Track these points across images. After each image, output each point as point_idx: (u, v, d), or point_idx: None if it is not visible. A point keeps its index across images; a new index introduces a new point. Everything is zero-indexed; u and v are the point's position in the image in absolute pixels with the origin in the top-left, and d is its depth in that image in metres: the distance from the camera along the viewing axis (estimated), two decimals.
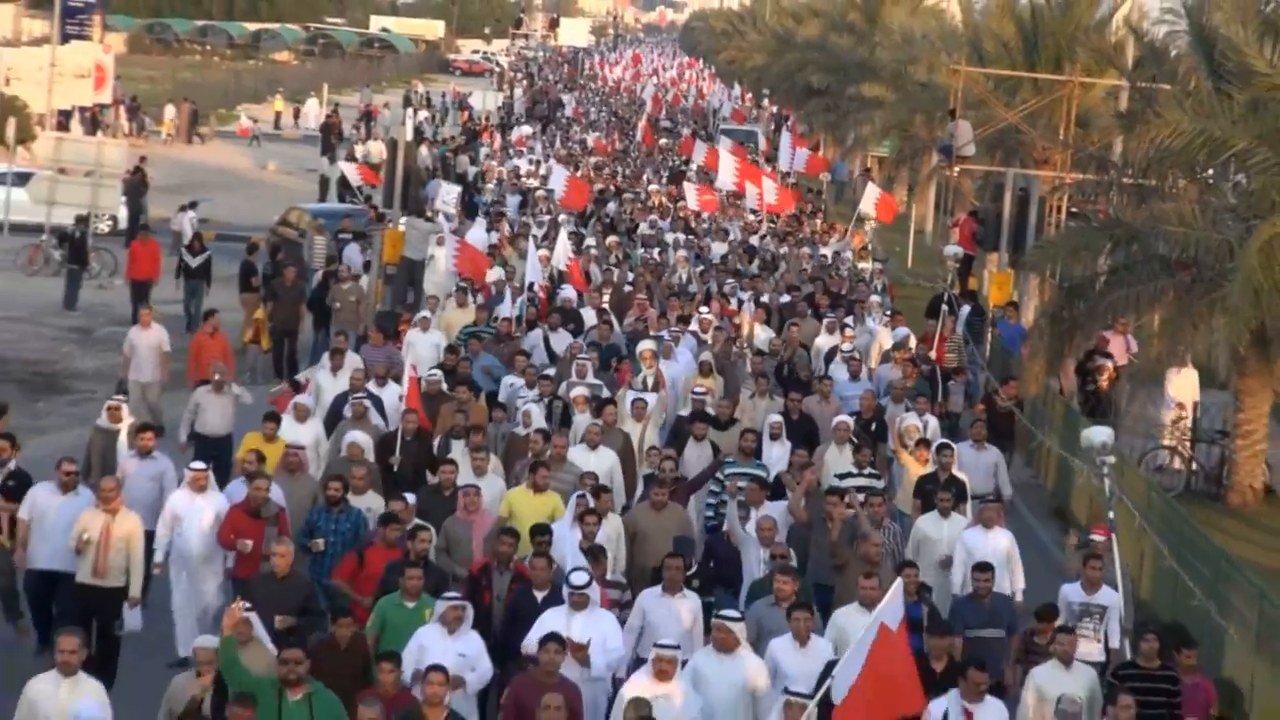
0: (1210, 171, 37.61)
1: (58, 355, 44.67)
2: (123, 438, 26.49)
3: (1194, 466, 40.11)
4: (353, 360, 32.48)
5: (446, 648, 18.68)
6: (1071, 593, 22.71)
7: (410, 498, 23.89)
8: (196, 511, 23.51)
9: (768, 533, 23.57)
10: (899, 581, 19.27)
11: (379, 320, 40.60)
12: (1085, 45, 67.06)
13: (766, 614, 20.50)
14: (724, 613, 19.03)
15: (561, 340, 35.82)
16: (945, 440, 29.40)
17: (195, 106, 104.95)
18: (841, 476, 26.82)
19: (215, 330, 36.94)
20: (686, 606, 20.79)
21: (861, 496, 25.27)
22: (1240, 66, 34.73)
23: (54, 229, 57.51)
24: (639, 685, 17.98)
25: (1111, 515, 25.39)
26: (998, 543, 24.35)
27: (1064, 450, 38.21)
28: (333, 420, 29.00)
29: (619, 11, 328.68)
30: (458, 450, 26.18)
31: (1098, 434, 30.48)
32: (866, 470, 27.54)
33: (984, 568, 22.59)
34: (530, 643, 18.91)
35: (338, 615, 19.62)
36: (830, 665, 18.52)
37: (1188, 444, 40.44)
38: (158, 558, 23.42)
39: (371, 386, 30.77)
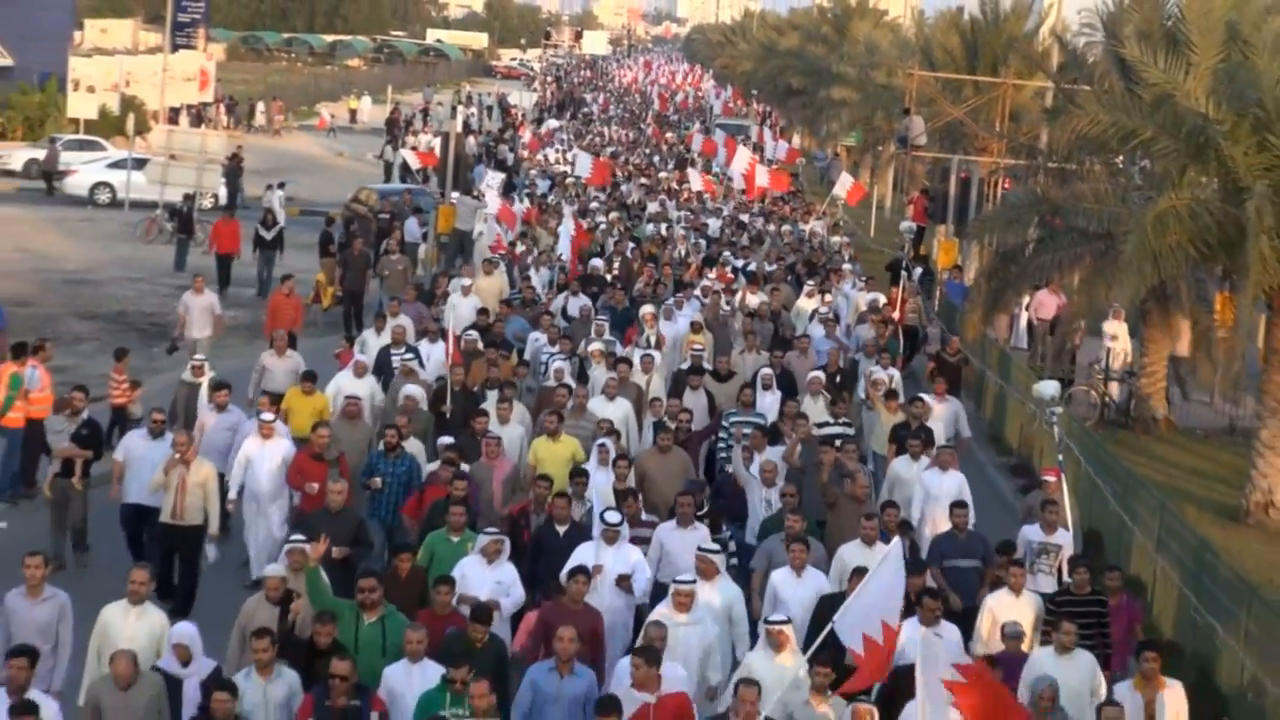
0: (1120, 157, 37.60)
1: (169, 309, 44.63)
2: (204, 391, 26.20)
3: (1106, 401, 40.25)
4: (399, 321, 31.64)
5: (485, 576, 18.41)
6: (1031, 533, 22.22)
7: (449, 440, 23.64)
8: (265, 456, 23.23)
9: (769, 474, 23.11)
10: (851, 549, 19.77)
11: (421, 283, 40.38)
12: (1017, 53, 67.64)
13: (777, 548, 20.02)
14: (703, 545, 18.73)
15: (576, 304, 35.36)
16: (919, 395, 28.95)
17: (282, 104, 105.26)
18: (820, 425, 26.21)
19: (291, 291, 36.95)
20: (697, 538, 20.10)
21: (838, 443, 24.69)
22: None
23: (166, 205, 57.45)
24: (660, 614, 17.44)
25: (1060, 458, 25.40)
26: (951, 482, 23.73)
27: (1001, 379, 38.55)
28: (377, 371, 28.53)
29: (632, 26, 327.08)
30: (490, 401, 25.80)
31: (1047, 387, 30.22)
32: (841, 420, 27.01)
33: (961, 505, 22.05)
34: (563, 574, 18.46)
35: (399, 551, 19.35)
36: (822, 597, 18.54)
37: (1102, 383, 40.61)
38: (231, 495, 23.12)
39: (420, 343, 30.60)
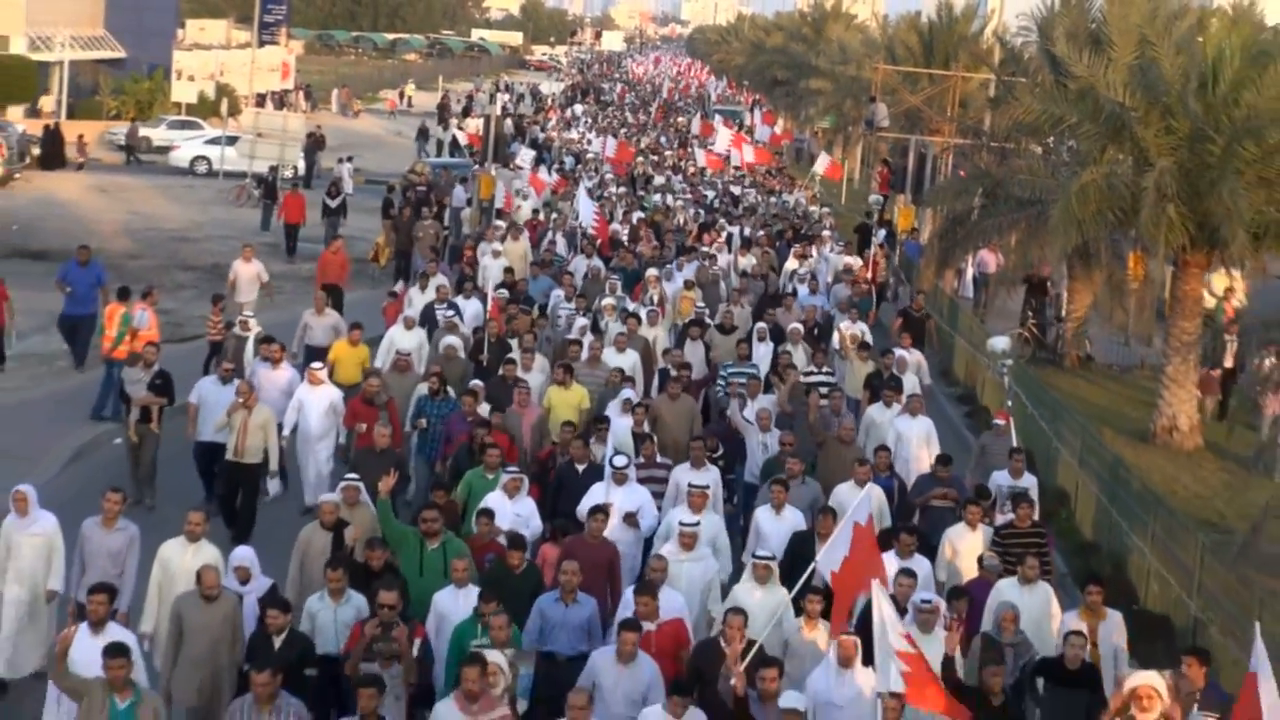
0: (1050, 138, 37.48)
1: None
2: (249, 343, 25.33)
3: (1038, 341, 40.34)
4: (438, 280, 31.06)
5: (507, 509, 17.86)
6: (1001, 478, 21.15)
7: (479, 383, 22.76)
8: (315, 400, 22.67)
9: (765, 420, 22.23)
10: (869, 489, 18.54)
11: (436, 246, 39.80)
12: (965, 50, 67.80)
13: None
14: (693, 482, 17.97)
15: (585, 265, 34.88)
16: (890, 349, 28.20)
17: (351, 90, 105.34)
18: (807, 374, 25.67)
19: (337, 250, 36.55)
20: (707, 479, 19.14)
21: (824, 390, 24.33)
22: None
23: (254, 175, 57.30)
24: (666, 550, 16.78)
25: (1009, 404, 25.15)
26: (921, 426, 23.13)
27: (948, 327, 38.57)
28: (421, 323, 27.56)
29: (643, 27, 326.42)
30: (516, 350, 25.27)
31: (999, 342, 30.02)
32: (825, 369, 26.36)
33: (945, 460, 21.18)
34: (581, 512, 17.91)
35: (437, 486, 18.68)
36: (795, 533, 18.03)
37: (1034, 326, 40.65)
38: (284, 433, 22.34)
39: (457, 299, 29.89)
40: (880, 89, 67.32)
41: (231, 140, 66.08)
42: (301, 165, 63.50)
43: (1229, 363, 33.32)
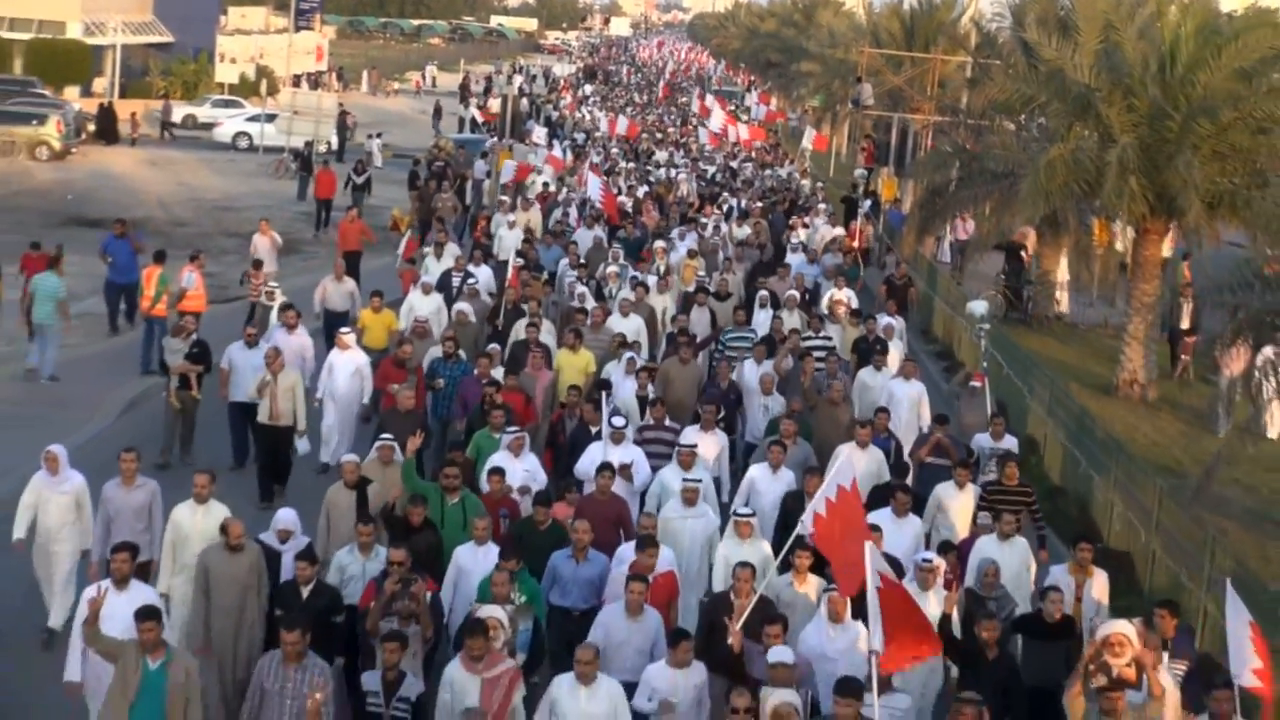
0: (1022, 116, 37.45)
1: (293, 230, 44.57)
2: (274, 311, 24.81)
3: (1011, 302, 40.33)
4: (452, 250, 30.91)
5: (515, 466, 17.34)
6: (983, 440, 20.64)
7: (495, 347, 22.46)
8: (343, 364, 22.28)
9: (768, 384, 21.70)
10: (848, 449, 18.50)
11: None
12: (944, 35, 67.28)
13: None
14: (687, 477, 16.85)
15: (589, 236, 34.41)
16: (872, 314, 27.76)
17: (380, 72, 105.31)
18: (804, 339, 24.96)
19: (355, 219, 36.61)
20: (715, 440, 19.28)
21: (822, 354, 23.87)
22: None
23: (291, 150, 57.39)
24: (670, 507, 16.52)
25: (985, 365, 24.87)
26: (914, 390, 22.62)
27: (928, 289, 38.57)
28: (438, 289, 26.86)
29: (648, 13, 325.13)
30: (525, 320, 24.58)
31: (977, 306, 29.88)
32: (822, 335, 25.56)
33: (942, 420, 20.63)
34: (589, 468, 17.43)
35: (452, 446, 18.63)
36: (788, 493, 17.53)
37: (1007, 288, 40.64)
38: (318, 394, 22.16)
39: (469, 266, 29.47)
40: (866, 70, 67.16)
41: (270, 118, 66.30)
42: (334, 140, 63.56)
43: (1185, 324, 33.28)
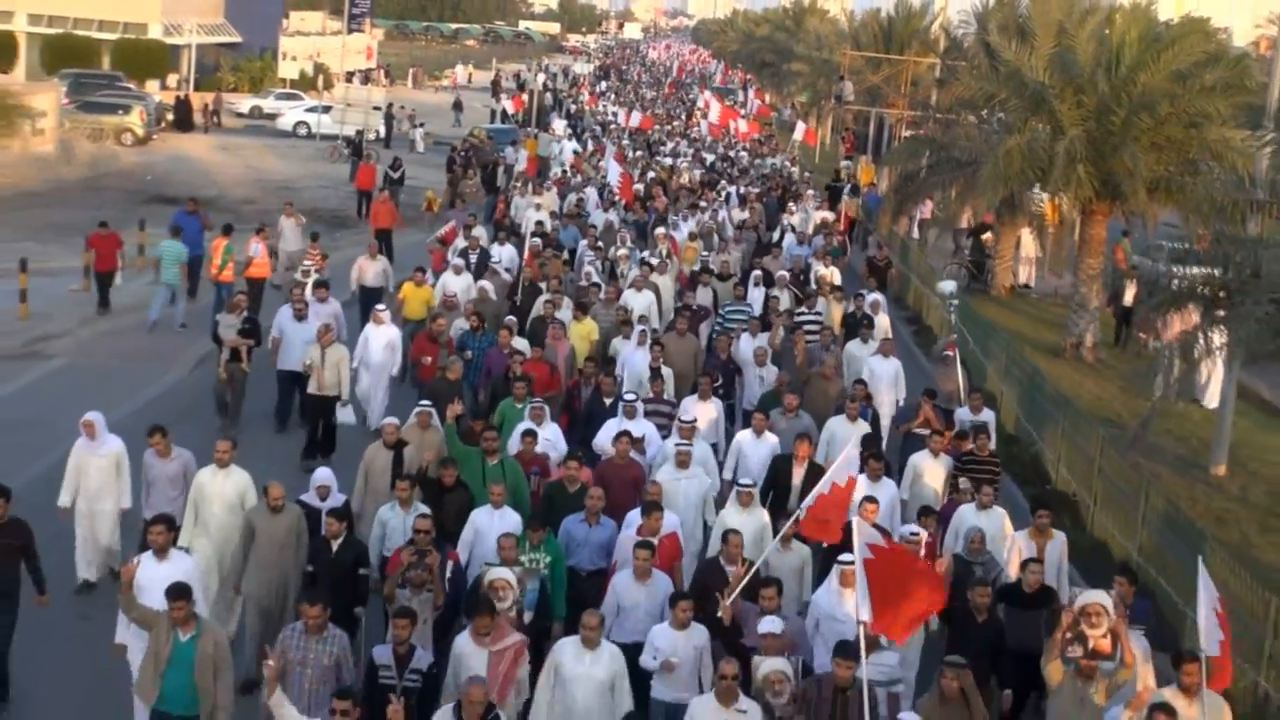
0: (984, 111, 37.36)
1: (346, 208, 44.72)
2: (309, 288, 23.77)
3: (974, 275, 40.28)
4: (477, 230, 29.98)
5: (540, 434, 16.45)
6: (963, 414, 19.69)
7: (513, 319, 21.68)
8: (377, 337, 21.56)
9: (762, 357, 21.03)
10: (839, 422, 18.00)
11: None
12: (917, 39, 67.50)
13: (776, 418, 17.98)
14: (679, 442, 16.15)
15: (602, 218, 33.95)
16: (860, 291, 26.52)
17: (422, 70, 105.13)
18: (797, 314, 24.46)
19: (385, 200, 36.24)
20: (712, 408, 18.51)
21: (814, 328, 23.22)
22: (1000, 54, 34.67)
23: (344, 137, 57.49)
24: (665, 470, 15.88)
25: (954, 337, 24.14)
26: (891, 367, 21.59)
27: (900, 264, 38.49)
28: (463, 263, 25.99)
29: (657, 19, 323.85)
30: (548, 293, 23.91)
31: (946, 286, 29.68)
32: (814, 311, 24.78)
33: (930, 394, 19.88)
34: (606, 442, 16.68)
35: (477, 416, 17.91)
36: (775, 456, 16.92)
37: (971, 262, 40.59)
38: (353, 364, 21.05)
39: (492, 246, 28.90)
40: (847, 70, 67.36)
41: (326, 109, 66.56)
42: (382, 129, 63.59)
43: (1129, 300, 33.09)
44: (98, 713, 12.85)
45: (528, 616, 12.67)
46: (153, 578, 11.99)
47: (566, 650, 11.44)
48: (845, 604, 12.72)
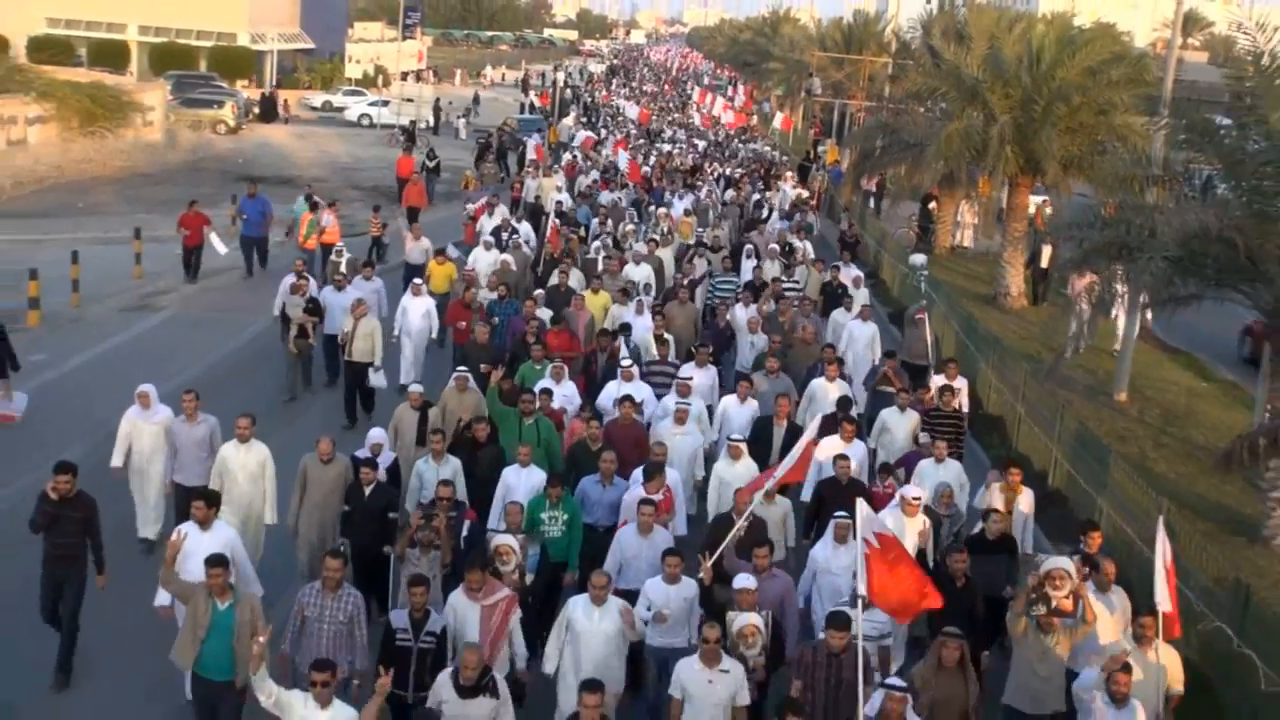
0: (929, 102, 37.16)
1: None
2: (342, 264, 22.52)
3: (920, 237, 40.07)
4: (501, 210, 28.65)
5: (556, 392, 15.76)
6: (938, 380, 17.76)
7: (541, 292, 20.64)
8: (415, 306, 20.31)
9: (754, 324, 19.62)
10: (820, 383, 16.94)
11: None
12: (873, 42, 66.83)
13: (760, 380, 16.98)
14: (679, 400, 15.41)
15: (609, 197, 32.40)
16: (836, 263, 25.52)
17: (464, 71, 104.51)
18: (783, 283, 23.37)
19: (417, 183, 35.28)
20: (707, 374, 17.15)
21: (797, 296, 21.95)
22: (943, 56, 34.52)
23: (399, 126, 57.21)
24: (663, 426, 15.05)
25: (924, 303, 23.01)
26: (869, 330, 20.41)
27: (862, 230, 38.28)
28: (494, 241, 24.77)
29: (658, 27, 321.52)
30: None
31: (917, 258, 29.22)
32: (794, 280, 23.71)
33: (890, 354, 18.80)
34: (607, 401, 15.96)
35: (504, 376, 16.34)
36: (757, 419, 15.88)
37: (919, 227, 40.42)
38: (395, 331, 20.17)
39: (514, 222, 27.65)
40: (815, 68, 66.86)
41: (385, 103, 66.16)
42: (430, 119, 63.25)
43: (1045, 264, 32.89)
44: (157, 669, 11.42)
45: (530, 578, 11.86)
46: (196, 548, 11.08)
47: (578, 607, 10.68)
48: (840, 558, 12.01)
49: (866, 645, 10.04)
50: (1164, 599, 10.54)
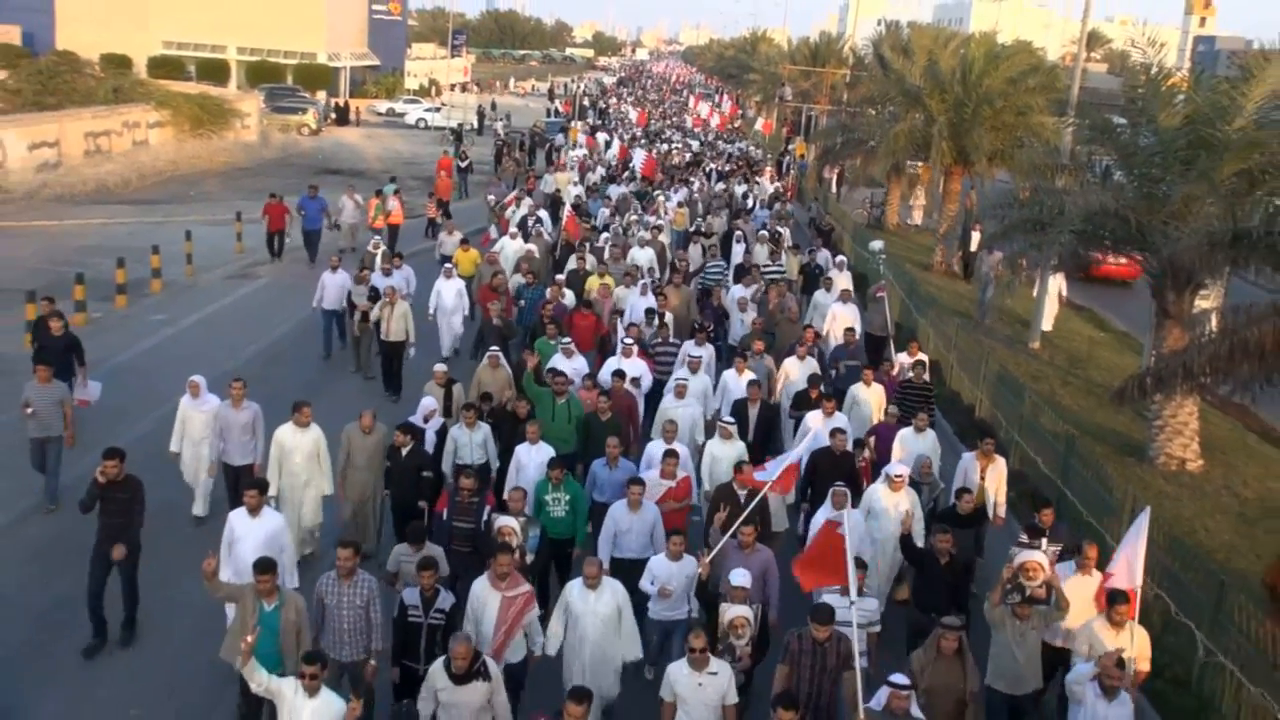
0: (880, 105, 36.93)
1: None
2: (378, 255, 20.91)
3: (871, 216, 39.86)
4: (527, 201, 27.21)
5: (569, 365, 14.93)
6: (903, 358, 16.56)
7: (561, 277, 19.56)
8: (447, 288, 19.10)
9: (743, 304, 18.52)
10: (791, 361, 15.75)
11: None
12: (834, 56, 66.16)
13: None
14: (679, 376, 14.33)
15: (616, 190, 31.52)
16: (812, 248, 24.92)
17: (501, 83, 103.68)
18: (765, 268, 21.96)
19: (446, 179, 33.76)
20: (705, 351, 15.66)
21: (779, 278, 21.28)
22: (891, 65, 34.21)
23: (449, 129, 56.83)
24: (667, 401, 13.88)
25: (883, 282, 22.00)
26: (851, 310, 18.90)
27: (825, 209, 37.96)
28: (520, 230, 23.36)
29: (659, 46, 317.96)
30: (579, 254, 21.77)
31: (876, 244, 28.40)
32: (778, 264, 22.49)
33: (851, 330, 17.34)
34: (606, 379, 14.45)
35: (528, 352, 15.23)
36: (735, 400, 14.49)
37: (869, 208, 40.17)
38: (430, 312, 19.06)
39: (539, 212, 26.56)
40: (787, 79, 66.27)
41: (437, 109, 65.52)
42: (475, 123, 62.82)
43: (974, 247, 32.54)
44: (211, 638, 10.21)
45: (530, 558, 10.94)
46: (247, 533, 10.12)
47: (574, 591, 9.64)
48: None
49: (856, 632, 9.16)
50: (1125, 579, 9.72)
